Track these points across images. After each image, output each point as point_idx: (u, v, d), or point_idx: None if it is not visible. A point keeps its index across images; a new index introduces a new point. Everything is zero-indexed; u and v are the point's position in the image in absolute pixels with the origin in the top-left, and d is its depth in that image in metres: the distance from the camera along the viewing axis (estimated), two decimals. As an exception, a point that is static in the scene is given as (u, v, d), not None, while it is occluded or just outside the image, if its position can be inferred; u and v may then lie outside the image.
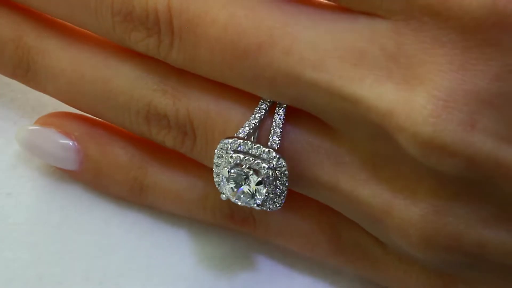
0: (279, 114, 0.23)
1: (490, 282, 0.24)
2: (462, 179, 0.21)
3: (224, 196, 0.24)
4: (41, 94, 0.27)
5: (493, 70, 0.20)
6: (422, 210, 0.22)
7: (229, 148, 0.23)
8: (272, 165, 0.23)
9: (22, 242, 0.27)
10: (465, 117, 0.20)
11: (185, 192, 0.26)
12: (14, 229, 0.27)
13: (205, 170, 0.25)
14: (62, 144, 0.27)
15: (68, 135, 0.27)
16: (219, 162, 0.24)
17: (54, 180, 0.28)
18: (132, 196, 0.27)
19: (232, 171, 0.23)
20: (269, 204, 0.24)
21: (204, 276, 0.27)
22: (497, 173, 0.20)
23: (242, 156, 0.23)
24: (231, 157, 0.23)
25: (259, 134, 0.24)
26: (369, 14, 0.21)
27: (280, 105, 0.23)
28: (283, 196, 0.24)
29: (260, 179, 0.23)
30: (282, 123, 0.23)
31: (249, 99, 0.24)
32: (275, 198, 0.24)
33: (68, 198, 0.28)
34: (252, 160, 0.23)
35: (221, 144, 0.23)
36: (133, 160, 0.26)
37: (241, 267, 0.28)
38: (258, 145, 0.23)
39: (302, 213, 0.26)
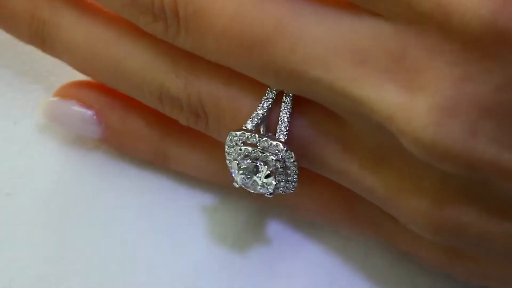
0: (286, 103, 0.23)
1: (498, 265, 0.24)
2: (464, 178, 0.21)
3: (236, 184, 0.24)
4: (41, 94, 0.27)
5: (495, 82, 0.20)
6: (427, 200, 0.22)
7: (238, 141, 0.24)
8: (280, 156, 0.23)
9: (22, 242, 0.27)
10: (466, 125, 0.20)
11: (206, 162, 0.27)
12: (14, 229, 0.27)
13: (221, 145, 0.26)
14: (83, 116, 0.27)
15: (89, 107, 0.27)
16: (230, 151, 0.24)
17: (53, 180, 0.28)
18: (156, 163, 0.28)
19: (242, 163, 0.24)
20: (281, 189, 0.24)
21: (204, 276, 0.27)
22: (499, 177, 0.21)
23: (250, 149, 0.23)
24: (240, 149, 0.24)
25: (268, 122, 0.24)
26: (373, 13, 0.21)
27: (287, 94, 0.23)
28: (294, 184, 0.24)
29: (269, 172, 0.24)
30: (290, 111, 0.23)
31: (258, 85, 0.24)
32: (286, 185, 0.24)
33: (67, 198, 0.28)
34: (261, 153, 0.23)
35: (230, 136, 0.24)
36: (154, 131, 0.27)
37: (240, 268, 0.28)
38: (266, 138, 0.23)
39: (317, 187, 0.26)
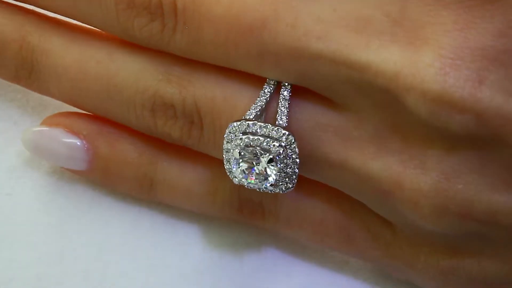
0: (284, 95, 0.23)
1: (501, 260, 0.24)
2: (470, 141, 0.21)
3: (236, 179, 0.24)
4: (42, 95, 0.27)
5: (497, 27, 0.21)
6: (432, 178, 0.22)
7: (237, 131, 0.23)
8: (282, 142, 0.23)
9: (22, 242, 0.27)
10: (472, 73, 0.21)
11: (195, 186, 0.26)
12: (14, 229, 0.27)
13: (214, 164, 0.26)
14: (70, 144, 0.26)
15: (76, 134, 0.26)
16: (229, 147, 0.24)
17: (54, 180, 0.28)
18: (142, 193, 0.27)
19: (243, 152, 0.23)
20: (281, 185, 0.24)
21: (204, 276, 0.27)
22: (506, 128, 0.21)
23: (251, 137, 0.23)
24: (241, 139, 0.23)
25: (266, 117, 0.24)
26: None
27: (285, 87, 0.23)
28: (295, 177, 0.24)
29: (271, 157, 0.23)
30: (288, 103, 0.23)
31: (254, 82, 0.24)
32: (287, 178, 0.24)
33: (68, 198, 0.28)
34: (262, 139, 0.23)
35: (229, 128, 0.23)
36: (143, 156, 0.26)
37: (240, 269, 0.28)
38: (267, 124, 0.23)
39: (312, 201, 0.26)
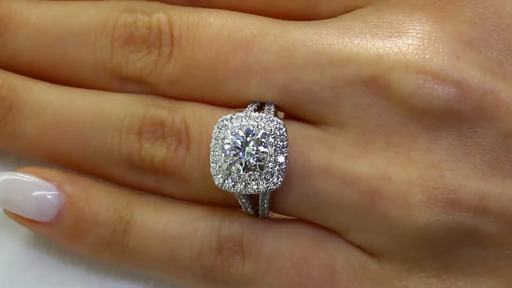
0: (268, 110, 0.24)
1: (494, 274, 0.24)
2: (453, 121, 0.23)
3: (222, 178, 0.24)
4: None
5: (469, 19, 0.24)
6: (419, 168, 0.23)
7: (226, 124, 0.24)
8: (270, 126, 0.24)
9: (22, 243, 0.27)
10: (449, 51, 0.23)
11: (173, 228, 0.25)
12: (14, 230, 0.27)
13: (193, 207, 0.26)
14: (42, 190, 0.25)
15: (49, 180, 0.25)
16: (216, 146, 0.24)
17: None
18: (113, 242, 0.25)
19: (231, 142, 0.23)
20: (268, 177, 0.23)
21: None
22: (486, 99, 0.23)
23: (241, 123, 0.24)
24: (233, 127, 0.24)
25: None
26: (349, 11, 0.25)
27: (268, 105, 0.24)
28: (283, 169, 0.23)
29: (259, 136, 0.23)
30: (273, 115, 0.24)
31: (240, 106, 0.25)
32: (275, 169, 0.23)
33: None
34: (251, 124, 0.24)
35: (218, 123, 0.24)
36: (119, 200, 0.26)
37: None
38: (256, 113, 0.24)
39: (294, 240, 0.25)
